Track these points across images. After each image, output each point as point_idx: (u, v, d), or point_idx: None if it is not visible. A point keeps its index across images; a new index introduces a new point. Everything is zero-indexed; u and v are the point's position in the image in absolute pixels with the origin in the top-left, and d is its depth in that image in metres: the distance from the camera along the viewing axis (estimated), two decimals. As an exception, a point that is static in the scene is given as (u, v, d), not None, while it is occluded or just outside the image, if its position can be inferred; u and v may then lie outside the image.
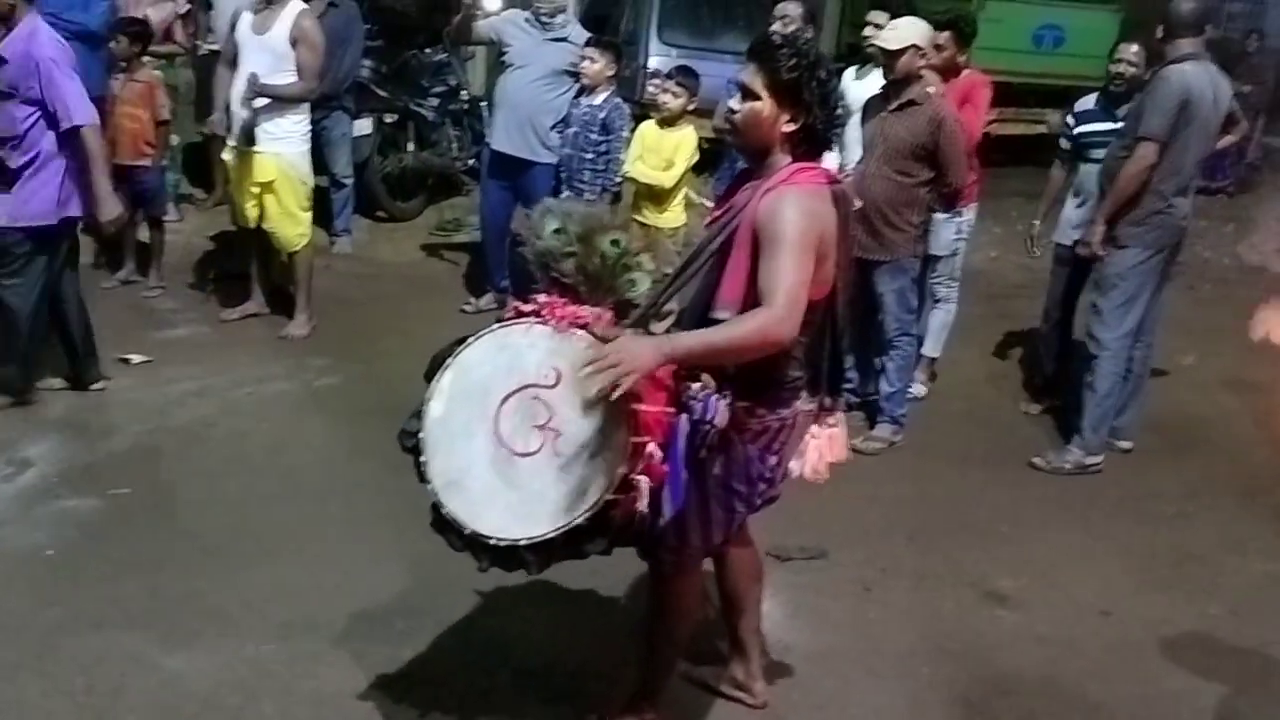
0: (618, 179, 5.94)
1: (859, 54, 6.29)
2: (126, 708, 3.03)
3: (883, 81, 4.97)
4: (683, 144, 5.80)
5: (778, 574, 3.97)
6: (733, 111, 2.64)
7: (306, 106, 5.71)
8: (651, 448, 2.47)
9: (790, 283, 2.44)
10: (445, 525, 2.56)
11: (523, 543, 2.48)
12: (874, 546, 4.24)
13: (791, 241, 2.45)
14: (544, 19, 6.02)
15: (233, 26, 5.64)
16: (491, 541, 2.50)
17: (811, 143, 2.62)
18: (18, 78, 4.52)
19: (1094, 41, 11.34)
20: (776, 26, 5.49)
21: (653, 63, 9.31)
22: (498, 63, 6.28)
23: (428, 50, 8.43)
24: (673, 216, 5.87)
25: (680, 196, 5.89)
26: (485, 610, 3.58)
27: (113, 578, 3.61)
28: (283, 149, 5.57)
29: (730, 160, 5.62)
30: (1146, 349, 5.17)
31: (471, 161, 8.08)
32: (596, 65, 5.84)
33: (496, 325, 2.67)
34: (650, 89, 6.62)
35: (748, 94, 2.60)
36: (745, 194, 2.63)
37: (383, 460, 4.56)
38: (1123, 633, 3.85)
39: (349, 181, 7.13)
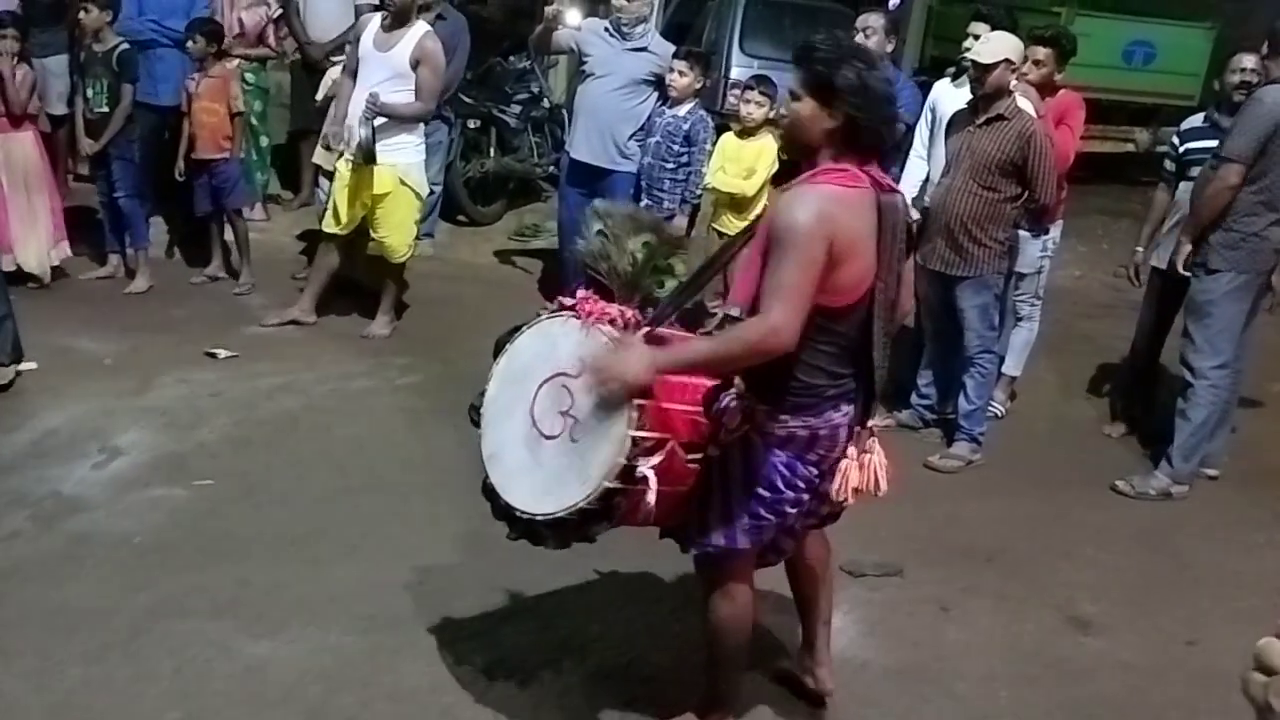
0: (697, 191, 5.95)
1: (943, 66, 6.24)
2: (212, 692, 3.09)
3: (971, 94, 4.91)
4: (763, 152, 5.79)
5: (852, 589, 3.96)
6: (783, 116, 2.71)
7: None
8: (675, 445, 2.63)
9: (787, 288, 2.42)
10: (490, 492, 2.82)
11: (539, 518, 2.70)
12: (952, 565, 4.19)
13: (794, 245, 2.43)
14: (624, 28, 6.04)
15: (357, 39, 5.74)
16: (518, 514, 2.74)
17: (856, 140, 2.57)
18: None
19: (1185, 59, 11.16)
20: (859, 38, 5.44)
21: (734, 73, 9.31)
22: (578, 71, 6.31)
23: (511, 58, 8.53)
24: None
25: (760, 206, 5.87)
26: (564, 611, 3.60)
27: (200, 566, 3.69)
28: (400, 160, 5.66)
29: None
30: (1236, 375, 5.05)
31: (551, 168, 8.15)
32: (685, 79, 5.85)
33: (543, 315, 2.90)
34: (731, 99, 6.62)
35: (793, 96, 2.63)
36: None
37: (463, 459, 4.61)
38: (1209, 663, 3.75)
39: (438, 187, 7.23)
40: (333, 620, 3.44)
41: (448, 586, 3.67)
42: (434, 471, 4.48)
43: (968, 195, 4.81)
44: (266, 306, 6.07)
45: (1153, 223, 5.47)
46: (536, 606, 3.60)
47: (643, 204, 6.03)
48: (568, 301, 2.82)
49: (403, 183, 5.71)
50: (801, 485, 2.71)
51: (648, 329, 2.73)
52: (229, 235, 6.56)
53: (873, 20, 5.53)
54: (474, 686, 3.20)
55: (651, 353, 2.55)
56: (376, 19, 5.70)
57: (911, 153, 5.55)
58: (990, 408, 5.33)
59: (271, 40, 7.26)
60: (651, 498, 2.59)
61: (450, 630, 3.44)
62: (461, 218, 7.97)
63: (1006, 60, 4.73)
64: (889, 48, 5.58)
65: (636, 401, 2.56)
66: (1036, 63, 5.14)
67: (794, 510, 2.75)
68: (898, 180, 5.54)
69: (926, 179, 5.39)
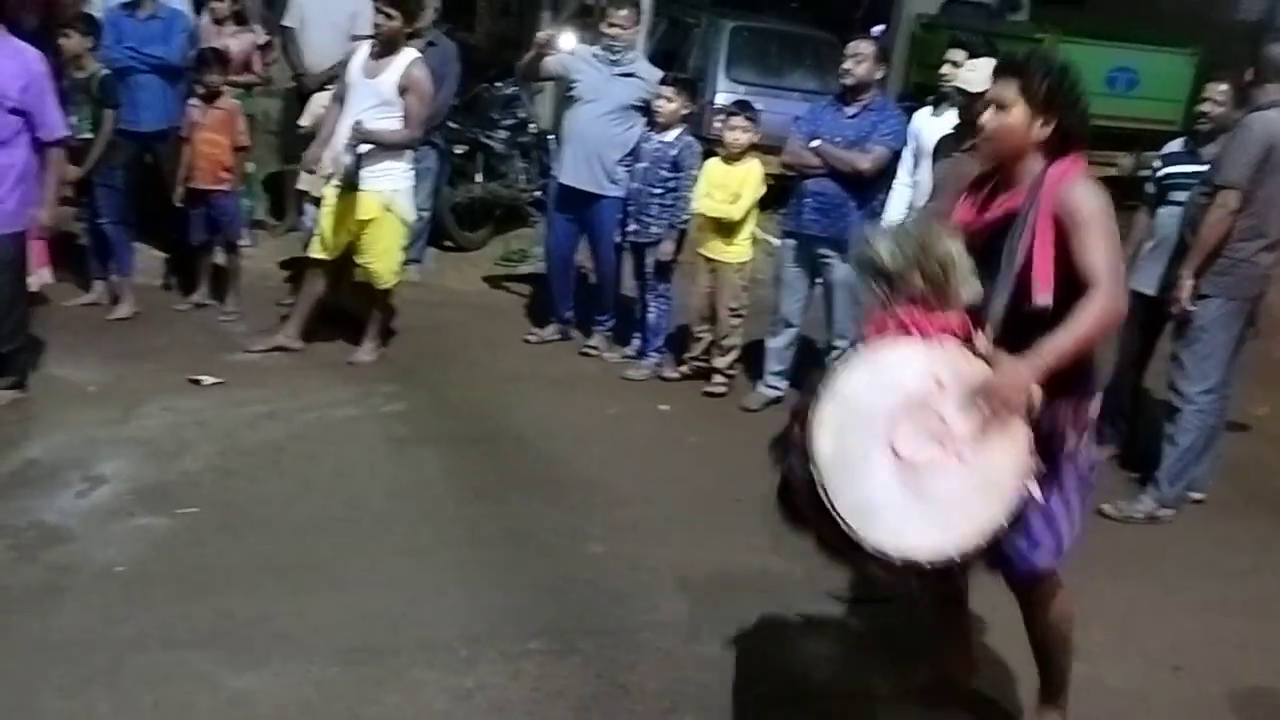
0: (685, 216, 5.96)
1: (927, 93, 6.28)
2: (193, 726, 3.07)
3: (956, 121, 4.94)
4: (748, 177, 5.82)
5: (842, 616, 3.95)
6: (988, 123, 2.81)
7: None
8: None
9: (1112, 261, 2.66)
10: (858, 553, 2.58)
11: (952, 556, 2.54)
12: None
13: (1103, 223, 2.66)
14: (613, 54, 6.07)
15: (345, 66, 5.76)
16: (924, 563, 2.53)
17: (1065, 145, 2.77)
18: (7, 87, 4.68)
19: (1168, 85, 11.25)
20: (847, 65, 5.49)
21: (720, 99, 9.35)
22: (565, 97, 6.34)
23: (498, 84, 8.56)
24: (740, 251, 5.88)
25: (747, 231, 5.90)
26: (547, 639, 3.58)
27: (182, 597, 3.65)
28: (386, 186, 5.66)
29: (798, 196, 5.61)
30: (1224, 400, 5.06)
31: (538, 194, 8.17)
32: (672, 105, 5.89)
33: (859, 349, 2.74)
34: (716, 125, 6.66)
35: (1001, 106, 2.77)
36: (1019, 195, 2.77)
37: (447, 488, 4.64)
38: (1195, 688, 3.76)
39: (427, 213, 7.23)
40: (316, 651, 3.41)
41: (430, 617, 3.65)
42: (419, 500, 4.46)
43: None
44: (251, 333, 6.05)
45: (1133, 245, 5.49)
46: (519, 635, 3.57)
47: (630, 229, 6.06)
48: (893, 323, 2.72)
49: (389, 209, 5.72)
50: (1094, 463, 2.94)
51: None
52: (218, 260, 6.55)
53: (863, 47, 5.57)
54: (458, 716, 3.18)
55: (1028, 359, 2.61)
56: (365, 46, 5.72)
57: (896, 180, 5.58)
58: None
59: (258, 67, 7.26)
60: (1040, 494, 2.61)
61: (433, 661, 3.42)
62: (448, 243, 7.97)
63: (993, 88, 4.76)
64: (879, 74, 5.62)
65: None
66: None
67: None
68: (882, 208, 5.58)
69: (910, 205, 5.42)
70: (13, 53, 4.78)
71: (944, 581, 2.72)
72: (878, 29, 11.70)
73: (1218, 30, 11.40)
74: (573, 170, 6.15)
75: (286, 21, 7.27)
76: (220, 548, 3.99)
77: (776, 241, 6.00)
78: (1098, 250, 2.65)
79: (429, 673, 3.36)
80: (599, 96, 6.05)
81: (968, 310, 2.72)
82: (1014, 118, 2.76)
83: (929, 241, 2.78)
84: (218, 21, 7.07)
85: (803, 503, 2.65)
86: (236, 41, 7.06)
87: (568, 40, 6.43)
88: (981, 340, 2.66)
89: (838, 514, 2.53)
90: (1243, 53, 4.76)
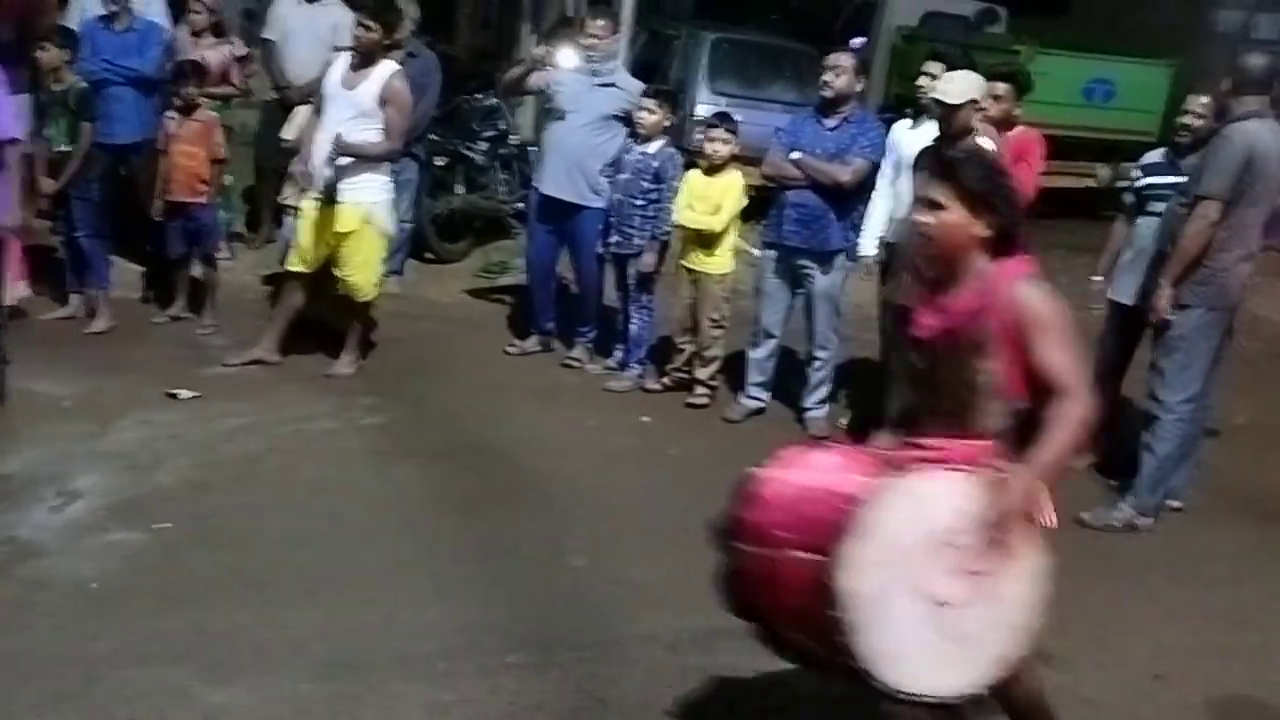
0: (667, 228, 5.96)
1: (907, 104, 6.31)
2: (168, 743, 3.03)
3: (935, 133, 4.96)
4: (729, 189, 5.82)
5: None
6: (920, 224, 2.76)
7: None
8: None
9: (1075, 362, 2.66)
10: (879, 693, 2.56)
11: (975, 691, 2.59)
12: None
13: (1060, 325, 2.66)
14: (594, 64, 6.08)
15: (322, 76, 5.75)
16: (945, 700, 2.56)
17: (1006, 243, 2.73)
18: None
19: (1145, 96, 11.35)
20: (828, 77, 5.50)
21: (701, 110, 9.38)
22: (545, 108, 6.33)
23: (478, 95, 8.55)
24: (721, 262, 5.88)
25: (729, 243, 5.90)
26: (526, 654, 3.56)
27: (157, 612, 3.62)
28: (365, 199, 5.64)
29: (779, 207, 5.62)
30: (1203, 409, 5.08)
31: (519, 205, 8.15)
32: (655, 117, 5.89)
33: (891, 478, 2.62)
34: (697, 137, 6.66)
35: (936, 205, 2.72)
36: (972, 297, 2.71)
37: (425, 501, 4.61)
38: (1176, 698, 3.77)
39: (408, 225, 7.20)
40: (292, 667, 3.38)
41: (407, 631, 3.63)
42: (396, 514, 4.44)
43: (932, 233, 4.84)
44: (229, 346, 6.01)
45: (1109, 254, 5.54)
46: (497, 650, 3.55)
47: (612, 240, 6.04)
48: (925, 455, 2.69)
49: (368, 221, 5.69)
50: None
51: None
52: (196, 273, 6.51)
53: (843, 60, 5.59)
54: (436, 732, 3.16)
55: (1026, 474, 2.61)
56: (344, 58, 5.70)
57: (876, 192, 5.59)
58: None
59: (235, 79, 7.23)
60: None
61: (411, 675, 3.40)
62: (428, 255, 7.95)
63: (972, 100, 4.79)
64: (858, 87, 5.64)
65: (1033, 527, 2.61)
66: (996, 98, 5.21)
67: None
68: (861, 220, 5.60)
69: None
70: None
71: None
72: (857, 41, 11.73)
73: (1194, 42, 11.50)
74: (554, 181, 6.14)
75: (267, 34, 7.24)
76: (196, 562, 3.96)
77: (757, 253, 6.01)
78: (1060, 354, 2.63)
79: (406, 687, 3.34)
80: (579, 107, 6.05)
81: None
82: (952, 216, 2.70)
83: None
84: (195, 34, 7.03)
85: (799, 629, 2.69)
86: (214, 53, 7.03)
87: (567, 58, 6.39)
88: (1003, 464, 2.66)
89: (858, 657, 2.50)
90: (1219, 64, 4.79)
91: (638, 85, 6.20)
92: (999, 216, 2.70)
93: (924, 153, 5.04)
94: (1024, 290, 2.66)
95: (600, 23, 6.11)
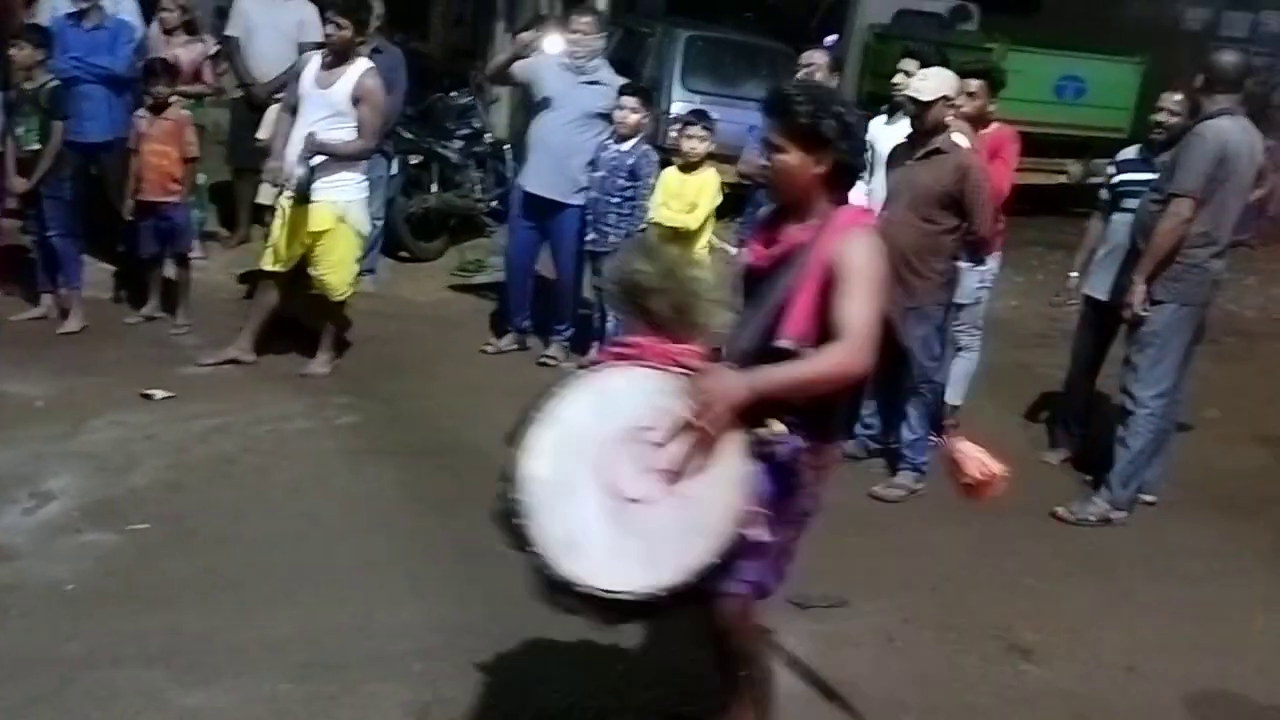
0: (642, 225, 5.96)
1: (880, 102, 6.33)
2: (143, 745, 3.02)
3: (909, 130, 4.99)
4: (705, 187, 5.83)
5: (799, 622, 3.95)
6: (765, 166, 2.73)
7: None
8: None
9: (866, 318, 2.55)
10: (556, 587, 2.48)
11: (659, 592, 2.42)
12: (896, 596, 4.20)
13: (868, 279, 2.57)
14: (578, 62, 6.08)
15: (297, 76, 5.72)
16: (626, 598, 2.43)
17: (846, 177, 2.71)
18: None
19: (1115, 93, 11.45)
20: (802, 74, 5.53)
21: (675, 108, 9.37)
22: (522, 104, 6.31)
23: (453, 94, 8.53)
24: (696, 261, 5.88)
25: (704, 241, 5.91)
26: (503, 653, 3.55)
27: (132, 613, 3.60)
28: (340, 198, 5.61)
29: (754, 204, 5.64)
30: (1174, 404, 5.13)
31: (494, 204, 8.14)
32: (635, 116, 5.89)
33: (587, 372, 2.69)
34: (672, 134, 6.67)
35: (775, 148, 2.66)
36: (803, 232, 2.70)
37: (401, 501, 4.60)
38: (1149, 690, 3.80)
39: (379, 223, 7.18)
40: (268, 668, 3.36)
41: (384, 631, 3.62)
42: (372, 514, 4.42)
43: (907, 228, 4.87)
44: (203, 346, 5.97)
45: (1086, 250, 5.58)
46: (474, 650, 3.54)
47: (588, 238, 6.04)
48: (623, 351, 2.70)
49: (342, 220, 5.67)
50: (815, 511, 2.82)
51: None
52: (169, 273, 6.47)
53: (816, 57, 5.62)
54: (414, 732, 3.15)
55: (742, 377, 2.54)
56: (317, 56, 5.68)
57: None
58: (932, 437, 5.36)
59: (208, 77, 7.19)
60: (764, 534, 2.53)
61: (388, 675, 3.39)
62: (403, 254, 7.92)
63: (944, 97, 4.82)
64: (832, 84, 5.65)
65: (744, 434, 2.50)
66: (970, 94, 5.24)
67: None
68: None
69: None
70: None
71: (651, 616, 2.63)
72: (831, 39, 11.76)
73: (1162, 40, 11.59)
74: (537, 178, 6.13)
75: (230, 31, 7.21)
76: (170, 563, 3.93)
77: (733, 250, 6.01)
78: (855, 305, 2.55)
79: (383, 687, 3.32)
80: (564, 104, 6.05)
81: (714, 342, 2.72)
82: (789, 157, 2.66)
83: (679, 266, 2.78)
84: (167, 31, 6.99)
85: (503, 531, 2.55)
86: (186, 51, 6.99)
87: (553, 43, 6.37)
88: (702, 365, 2.60)
89: (526, 540, 2.47)
90: (1188, 62, 4.84)
91: (621, 82, 6.20)
92: (835, 151, 2.65)
93: (898, 149, 5.07)
94: (852, 238, 2.63)
95: (585, 19, 6.12)
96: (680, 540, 2.43)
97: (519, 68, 6.21)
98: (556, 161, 6.04)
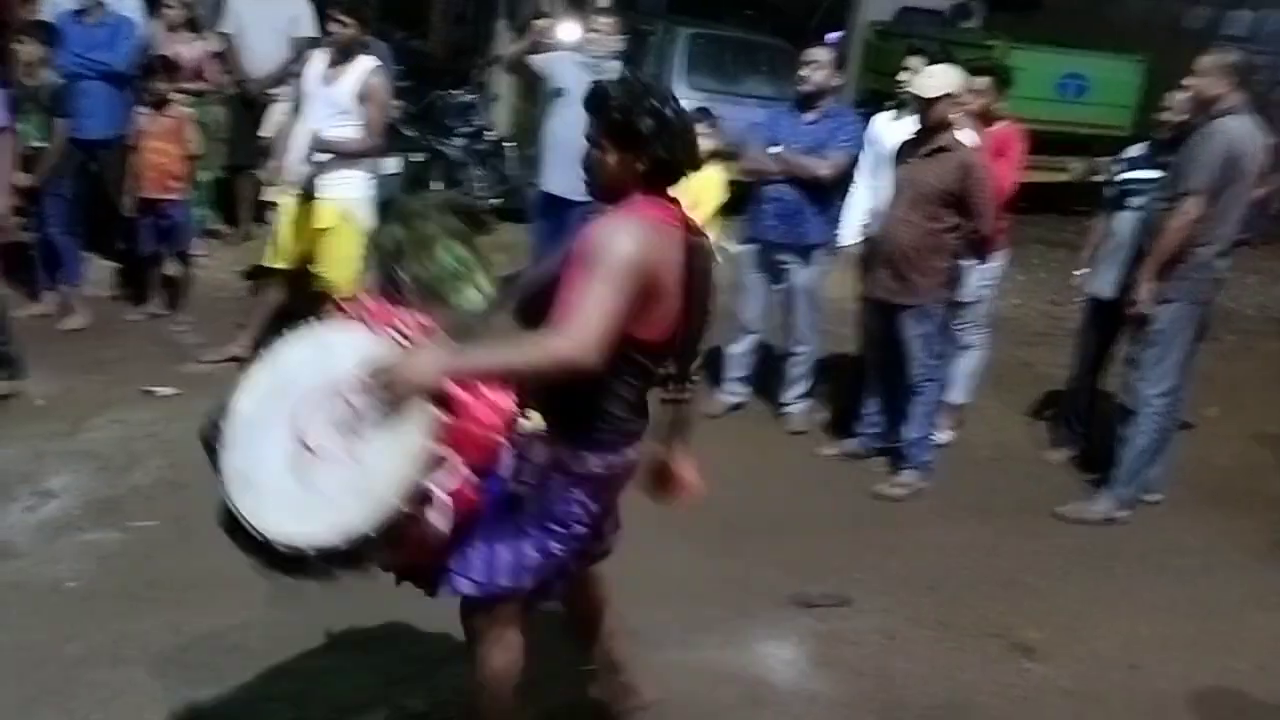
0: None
1: (882, 99, 6.33)
2: (145, 744, 3.02)
3: (915, 126, 4.98)
4: (709, 185, 5.81)
5: (801, 621, 3.97)
6: (587, 158, 2.66)
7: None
8: (462, 468, 2.48)
9: (588, 307, 2.35)
10: (230, 521, 2.46)
11: (306, 548, 2.36)
12: (897, 594, 4.21)
13: (606, 267, 2.38)
14: (595, 60, 6.09)
15: (300, 74, 5.72)
16: (278, 545, 2.38)
17: (663, 177, 2.56)
18: None
19: (1117, 91, 11.42)
20: (805, 71, 5.52)
21: (677, 106, 9.36)
22: (523, 101, 6.30)
23: (454, 91, 8.54)
24: (698, 259, 5.87)
25: (710, 238, 5.89)
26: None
27: (133, 612, 3.60)
28: (343, 195, 5.60)
29: (758, 202, 5.63)
30: (1178, 402, 5.12)
31: (495, 201, 8.14)
32: None
33: (317, 322, 2.65)
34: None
35: (595, 145, 2.63)
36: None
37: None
38: (1149, 687, 3.81)
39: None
40: (272, 667, 3.36)
41: (395, 631, 3.61)
42: (376, 510, 4.41)
43: (910, 225, 4.87)
44: (205, 343, 5.97)
45: (1091, 248, 5.57)
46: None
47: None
48: (350, 305, 2.69)
49: (346, 218, 5.66)
50: (588, 523, 2.65)
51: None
52: (170, 270, 6.47)
53: (819, 54, 5.59)
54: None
55: (442, 354, 2.46)
56: (322, 55, 5.67)
57: (856, 184, 5.61)
58: (935, 436, 5.37)
59: (210, 74, 7.18)
60: (445, 524, 2.46)
61: (398, 675, 3.38)
62: (405, 251, 7.91)
63: (948, 94, 4.81)
64: (836, 81, 5.65)
65: (434, 411, 2.41)
66: (976, 92, 5.22)
67: (582, 550, 2.71)
68: (840, 211, 5.62)
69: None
70: None
71: (326, 573, 2.45)
72: (833, 36, 11.75)
73: (1163, 38, 11.57)
74: (554, 177, 6.09)
75: (224, 28, 7.21)
76: (172, 562, 3.93)
77: (736, 248, 6.01)
78: (580, 292, 2.36)
79: (394, 688, 3.32)
80: (578, 100, 6.00)
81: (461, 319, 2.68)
82: (607, 155, 2.57)
83: (434, 239, 2.76)
84: (170, 28, 6.99)
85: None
86: (188, 49, 6.99)
87: (569, 30, 6.35)
88: (415, 335, 2.55)
89: (218, 468, 2.48)
90: (1189, 60, 4.82)
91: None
92: (652, 149, 2.51)
93: (904, 146, 5.07)
94: (610, 225, 2.48)
95: (605, 19, 6.12)
96: (339, 501, 2.37)
97: (536, 60, 6.20)
98: (571, 159, 5.98)
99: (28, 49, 5.85)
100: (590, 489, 2.61)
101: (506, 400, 2.58)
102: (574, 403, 2.54)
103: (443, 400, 2.43)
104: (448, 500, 2.46)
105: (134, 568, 3.89)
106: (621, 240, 2.42)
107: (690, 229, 2.60)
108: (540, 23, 6.12)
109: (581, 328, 2.34)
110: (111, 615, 3.57)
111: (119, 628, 3.51)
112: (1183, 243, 4.67)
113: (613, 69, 6.12)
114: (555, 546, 2.62)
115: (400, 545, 2.46)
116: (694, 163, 2.60)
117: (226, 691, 3.25)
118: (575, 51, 6.21)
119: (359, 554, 2.40)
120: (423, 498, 2.41)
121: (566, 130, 6.04)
